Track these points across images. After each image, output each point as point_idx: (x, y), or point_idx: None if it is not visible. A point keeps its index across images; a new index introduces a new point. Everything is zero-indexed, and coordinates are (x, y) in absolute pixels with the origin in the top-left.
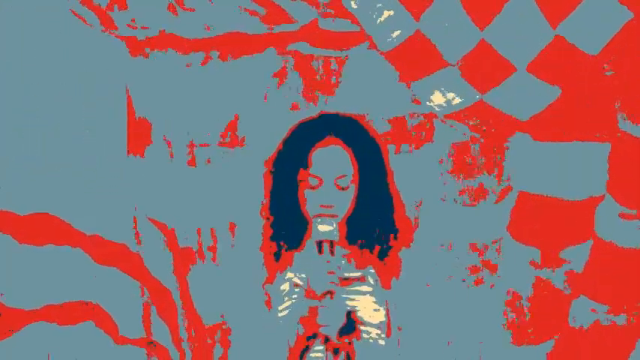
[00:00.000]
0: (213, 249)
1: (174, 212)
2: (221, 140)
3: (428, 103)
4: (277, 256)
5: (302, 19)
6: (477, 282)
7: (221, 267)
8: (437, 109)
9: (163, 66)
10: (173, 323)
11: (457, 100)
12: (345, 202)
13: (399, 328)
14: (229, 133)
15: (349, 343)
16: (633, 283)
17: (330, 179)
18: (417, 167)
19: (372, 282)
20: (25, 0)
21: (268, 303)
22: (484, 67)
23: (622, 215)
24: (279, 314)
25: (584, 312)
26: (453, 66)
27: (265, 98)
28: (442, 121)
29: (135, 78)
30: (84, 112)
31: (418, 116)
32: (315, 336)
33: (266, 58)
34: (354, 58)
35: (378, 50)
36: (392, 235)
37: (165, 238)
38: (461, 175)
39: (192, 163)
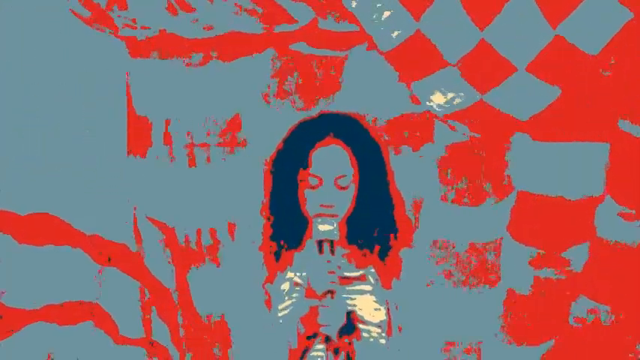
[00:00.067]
0: (213, 249)
1: (174, 212)
2: (221, 140)
3: (428, 103)
4: (277, 255)
5: (302, 19)
6: (477, 282)
7: (221, 267)
8: (437, 109)
9: (163, 66)
10: (173, 323)
11: (457, 100)
12: (345, 201)
13: (400, 328)
14: (229, 133)
15: (349, 344)
16: (633, 283)
17: (330, 179)
18: (417, 167)
19: (372, 281)
20: (25, 0)
21: (268, 302)
22: (484, 67)
23: (622, 215)
24: (280, 314)
25: (584, 312)
26: (453, 66)
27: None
28: (442, 121)
29: (135, 78)
30: (84, 112)
31: (418, 116)
32: (315, 335)
33: (266, 58)
34: (354, 58)
35: (378, 50)
36: (392, 235)
37: (164, 238)
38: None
39: (192, 163)
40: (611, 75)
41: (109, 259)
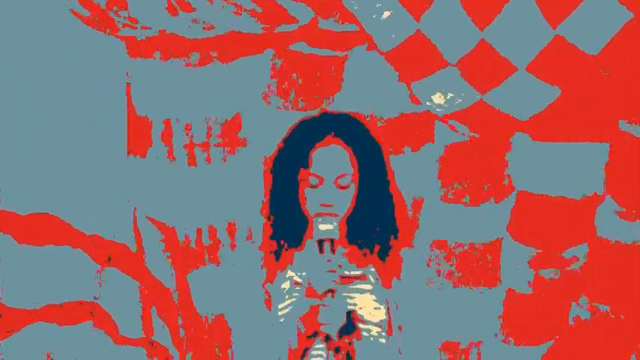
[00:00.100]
0: (213, 249)
1: (174, 212)
2: (221, 140)
3: (428, 103)
4: (277, 254)
5: (302, 19)
6: (477, 282)
7: (221, 267)
8: (437, 109)
9: (163, 66)
10: (173, 323)
11: (457, 100)
12: (345, 201)
13: (400, 327)
14: (229, 133)
15: (349, 344)
16: (633, 282)
17: (331, 178)
18: (417, 167)
19: (372, 280)
20: (25, 0)
21: (269, 302)
22: (484, 67)
23: (622, 214)
24: (280, 313)
25: (584, 312)
26: (453, 66)
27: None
28: (442, 121)
29: (135, 78)
30: (84, 112)
31: (418, 116)
32: (315, 335)
33: (266, 58)
34: (354, 58)
35: (378, 50)
36: (392, 235)
37: (164, 238)
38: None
39: (192, 163)
40: (611, 75)
41: (109, 259)
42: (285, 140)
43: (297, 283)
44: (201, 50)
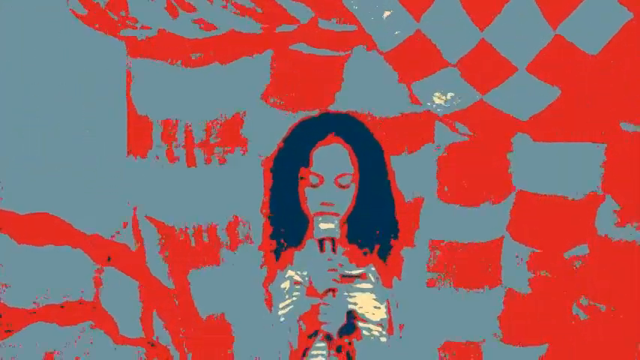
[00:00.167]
0: (213, 248)
1: (174, 212)
2: (221, 140)
3: (428, 103)
4: (277, 254)
5: (302, 19)
6: (477, 281)
7: (221, 266)
8: (437, 109)
9: (163, 66)
10: (173, 323)
11: (457, 100)
12: (345, 200)
13: (401, 326)
14: (229, 132)
15: (349, 344)
16: (633, 282)
17: (331, 178)
18: (417, 167)
19: (372, 279)
20: (25, 0)
21: (269, 301)
22: (484, 67)
23: (621, 214)
24: (280, 312)
25: (584, 311)
26: (453, 66)
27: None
28: (442, 121)
29: (135, 78)
30: (84, 112)
31: (418, 116)
32: (316, 334)
33: (265, 58)
34: (354, 58)
35: (378, 50)
36: (392, 235)
37: (164, 238)
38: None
39: (192, 163)
40: (611, 75)
41: (109, 259)
42: (286, 140)
43: (297, 283)
44: (201, 50)
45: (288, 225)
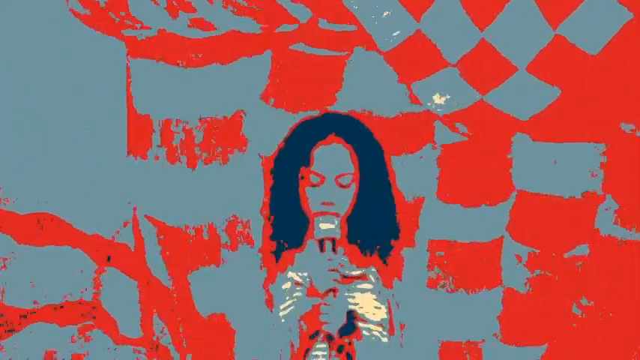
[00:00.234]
0: (213, 248)
1: (174, 212)
2: (221, 140)
3: (428, 103)
4: (278, 255)
5: (302, 19)
6: (477, 281)
7: (221, 266)
8: (437, 109)
9: (163, 66)
10: (173, 323)
11: (457, 101)
12: (346, 200)
13: (402, 326)
14: (229, 132)
15: (349, 344)
16: (633, 281)
17: (332, 177)
18: (417, 167)
19: (373, 280)
20: (25, 0)
21: (269, 302)
22: (484, 67)
23: (621, 214)
24: (281, 313)
25: (584, 311)
26: (453, 66)
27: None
28: (442, 121)
29: (135, 78)
30: (84, 112)
31: (418, 116)
32: (317, 334)
33: (265, 58)
34: (354, 58)
35: (378, 50)
36: (393, 235)
37: (164, 238)
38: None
39: (192, 163)
40: (611, 75)
41: (109, 259)
42: (287, 139)
43: (298, 283)
44: (201, 50)
45: (288, 225)
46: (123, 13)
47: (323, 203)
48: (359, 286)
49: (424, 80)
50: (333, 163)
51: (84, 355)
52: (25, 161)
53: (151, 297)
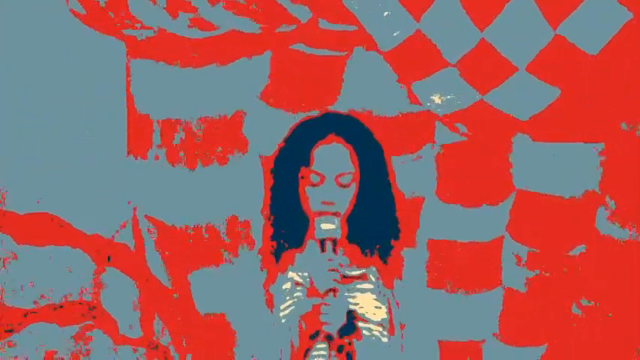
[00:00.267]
0: (213, 249)
1: (174, 212)
2: (221, 140)
3: (428, 103)
4: (278, 255)
5: (302, 19)
6: (477, 281)
7: (221, 266)
8: (437, 109)
9: (163, 66)
10: (173, 323)
11: (457, 100)
12: (346, 199)
13: (402, 326)
14: (229, 132)
15: (349, 344)
16: (634, 282)
17: (332, 176)
18: (417, 167)
19: (373, 280)
20: (25, 0)
21: (270, 302)
22: (484, 67)
23: (620, 214)
24: (281, 313)
25: (584, 311)
26: (453, 66)
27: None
28: (442, 121)
29: (135, 78)
30: (84, 112)
31: (418, 116)
32: (317, 334)
33: (265, 58)
34: (354, 58)
35: (378, 50)
36: (393, 235)
37: (164, 238)
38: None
39: (192, 162)
40: (611, 75)
41: (109, 259)
42: (287, 139)
43: (298, 284)
44: (201, 50)
45: (288, 226)
46: (123, 13)
47: (323, 203)
48: (359, 286)
49: (424, 80)
50: (333, 163)
51: (84, 355)
52: (25, 161)
53: (151, 297)
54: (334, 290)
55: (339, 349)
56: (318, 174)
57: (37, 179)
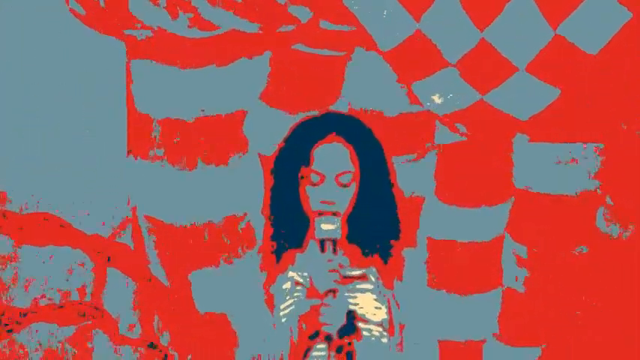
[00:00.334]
0: (213, 249)
1: (174, 212)
2: (221, 140)
3: (428, 103)
4: (278, 255)
5: (302, 19)
6: (477, 281)
7: (221, 266)
8: (437, 109)
9: (163, 66)
10: (173, 323)
11: (457, 100)
12: (346, 199)
13: (402, 327)
14: (229, 132)
15: (349, 344)
16: (633, 282)
17: (332, 176)
18: (417, 167)
19: (373, 280)
20: (25, 0)
21: (270, 302)
22: (484, 67)
23: (621, 214)
24: (281, 313)
25: (583, 311)
26: (453, 66)
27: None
28: (442, 121)
29: (135, 78)
30: (84, 112)
31: (418, 116)
32: (317, 335)
33: (265, 58)
34: (354, 58)
35: (378, 50)
36: (393, 235)
37: (164, 238)
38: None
39: (192, 162)
40: (611, 75)
41: (109, 259)
42: (287, 139)
43: (298, 283)
44: (201, 50)
45: (289, 226)
46: (123, 13)
47: (323, 202)
48: (359, 287)
49: (424, 80)
50: (333, 162)
51: (84, 355)
52: (25, 161)
53: (151, 297)
54: (334, 291)
55: (339, 350)
56: (318, 173)
57: (37, 179)
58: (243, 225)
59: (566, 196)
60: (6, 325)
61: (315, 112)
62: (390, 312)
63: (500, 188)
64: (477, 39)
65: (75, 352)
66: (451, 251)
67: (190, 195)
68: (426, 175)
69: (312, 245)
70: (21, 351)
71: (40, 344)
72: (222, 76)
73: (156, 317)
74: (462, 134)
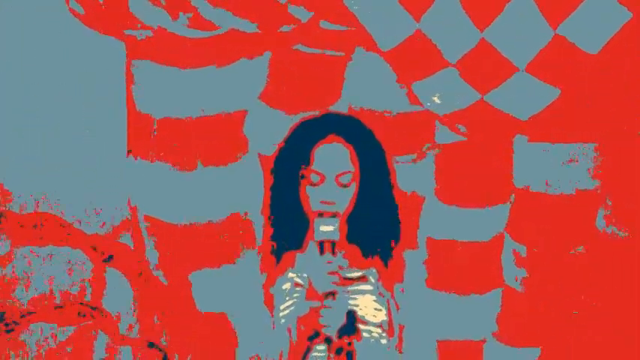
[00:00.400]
0: (213, 249)
1: (174, 212)
2: (221, 140)
3: (428, 103)
4: (278, 255)
5: (302, 19)
6: (477, 281)
7: (222, 267)
8: (437, 109)
9: (163, 66)
10: (173, 323)
11: (457, 101)
12: (346, 199)
13: (401, 327)
14: (229, 132)
15: (349, 344)
16: (633, 281)
17: (332, 176)
18: (417, 167)
19: (372, 281)
20: (25, 0)
21: (270, 302)
22: (484, 67)
23: (620, 214)
24: (281, 314)
25: (583, 310)
26: (453, 66)
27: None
28: (442, 121)
29: (135, 78)
30: (84, 112)
31: (418, 116)
32: (316, 336)
33: (265, 58)
34: (354, 58)
35: (378, 50)
36: (394, 236)
37: (164, 238)
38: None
39: (192, 162)
40: (611, 75)
41: (109, 259)
42: (287, 139)
43: (298, 284)
44: (201, 50)
45: (288, 226)
46: (123, 13)
47: (323, 202)
48: (359, 288)
49: (424, 80)
50: (333, 162)
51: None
52: (25, 161)
53: (151, 297)
54: (334, 293)
55: (338, 352)
56: (318, 173)
57: (37, 179)
58: (243, 225)
59: (566, 195)
60: (6, 325)
61: (315, 112)
62: (389, 313)
63: (500, 188)
64: (477, 39)
65: (75, 352)
66: (451, 251)
67: (190, 195)
68: (426, 175)
69: (311, 246)
70: (21, 351)
71: (40, 344)
72: (222, 76)
73: (156, 317)
74: (462, 134)
